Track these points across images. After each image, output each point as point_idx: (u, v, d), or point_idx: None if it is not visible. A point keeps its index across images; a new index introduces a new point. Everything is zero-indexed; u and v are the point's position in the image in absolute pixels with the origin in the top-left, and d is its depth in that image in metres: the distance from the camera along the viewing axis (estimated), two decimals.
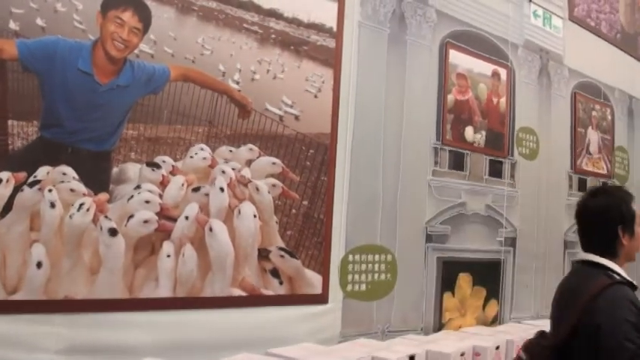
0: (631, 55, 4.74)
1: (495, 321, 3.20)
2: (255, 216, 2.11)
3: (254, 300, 2.14)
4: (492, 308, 3.18)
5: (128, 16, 1.87)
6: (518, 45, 3.46)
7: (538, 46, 3.62)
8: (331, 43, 2.48)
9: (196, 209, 1.99)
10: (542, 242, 3.55)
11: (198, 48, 2.08)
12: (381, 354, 2.21)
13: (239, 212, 2.08)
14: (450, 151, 2.97)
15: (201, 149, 2.05)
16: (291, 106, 2.32)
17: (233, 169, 2.11)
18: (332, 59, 2.47)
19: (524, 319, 3.34)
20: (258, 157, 2.20)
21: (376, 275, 2.59)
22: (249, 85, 2.19)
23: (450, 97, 2.99)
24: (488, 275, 3.17)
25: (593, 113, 4.18)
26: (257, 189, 2.16)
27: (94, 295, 1.76)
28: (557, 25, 3.83)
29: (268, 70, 2.27)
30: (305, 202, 2.35)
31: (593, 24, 4.28)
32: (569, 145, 3.90)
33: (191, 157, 2.03)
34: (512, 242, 3.32)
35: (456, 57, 3.04)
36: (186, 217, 1.96)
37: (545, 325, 3.09)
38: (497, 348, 2.63)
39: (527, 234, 3.43)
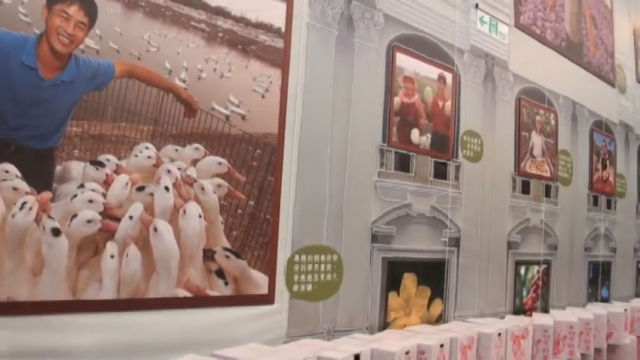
0: (575, 63, 5.07)
1: (440, 320, 3.37)
2: (200, 216, 2.18)
3: (199, 301, 2.19)
4: (437, 307, 3.35)
5: (74, 11, 1.90)
6: (464, 50, 3.65)
7: (483, 51, 3.83)
8: (279, 43, 2.57)
9: (141, 209, 2.04)
10: (485, 243, 3.75)
11: (145, 44, 2.12)
12: (327, 354, 2.31)
13: (184, 212, 2.15)
14: (395, 153, 3.10)
15: (146, 148, 2.10)
16: (238, 106, 2.38)
17: (178, 168, 2.17)
18: (280, 60, 2.56)
19: (468, 317, 3.54)
20: (203, 157, 2.26)
21: (322, 275, 2.69)
22: (195, 83, 2.25)
23: (397, 100, 3.13)
24: (432, 275, 3.33)
25: (537, 118, 4.43)
26: (202, 189, 2.23)
27: (37, 297, 1.78)
28: (503, 31, 4.05)
29: (215, 69, 2.33)
30: (251, 203, 2.42)
31: (538, 32, 4.55)
32: (512, 149, 4.14)
33: (136, 155, 2.07)
34: (456, 242, 3.50)
35: (402, 60, 3.18)
36: (131, 217, 2.01)
37: (488, 323, 3.31)
38: (442, 346, 2.78)
39: (470, 235, 3.62)
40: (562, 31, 4.92)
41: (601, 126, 5.47)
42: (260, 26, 2.52)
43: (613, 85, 5.81)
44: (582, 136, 5.13)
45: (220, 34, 2.38)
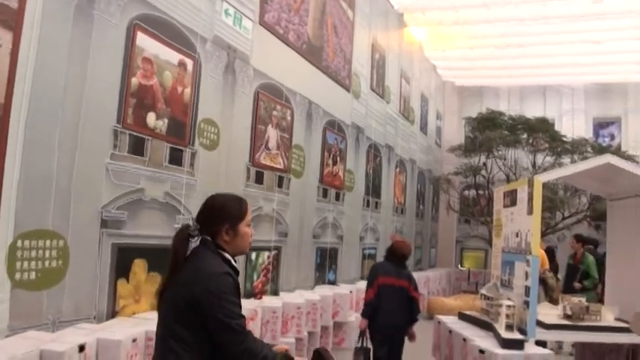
0: (314, 65, 5.81)
1: None
2: None
3: None
4: None
5: None
6: (207, 39, 3.95)
7: (226, 43, 4.18)
8: (13, 3, 2.51)
9: None
10: None
11: None
12: (50, 346, 2.38)
13: None
14: (130, 135, 3.24)
15: None
16: None
17: None
18: (13, 22, 2.51)
19: None
20: None
21: (47, 262, 2.71)
22: None
23: (134, 81, 3.28)
24: (164, 261, 3.46)
25: (274, 113, 4.95)
26: None
27: None
28: (247, 26, 4.46)
29: None
30: None
31: (281, 31, 5.11)
32: (249, 140, 4.58)
33: None
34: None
35: (143, 40, 3.34)
36: None
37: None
38: None
39: None
40: (304, 34, 5.56)
41: (334, 125, 6.30)
42: None
43: (348, 90, 6.74)
44: (316, 134, 5.86)
45: None
